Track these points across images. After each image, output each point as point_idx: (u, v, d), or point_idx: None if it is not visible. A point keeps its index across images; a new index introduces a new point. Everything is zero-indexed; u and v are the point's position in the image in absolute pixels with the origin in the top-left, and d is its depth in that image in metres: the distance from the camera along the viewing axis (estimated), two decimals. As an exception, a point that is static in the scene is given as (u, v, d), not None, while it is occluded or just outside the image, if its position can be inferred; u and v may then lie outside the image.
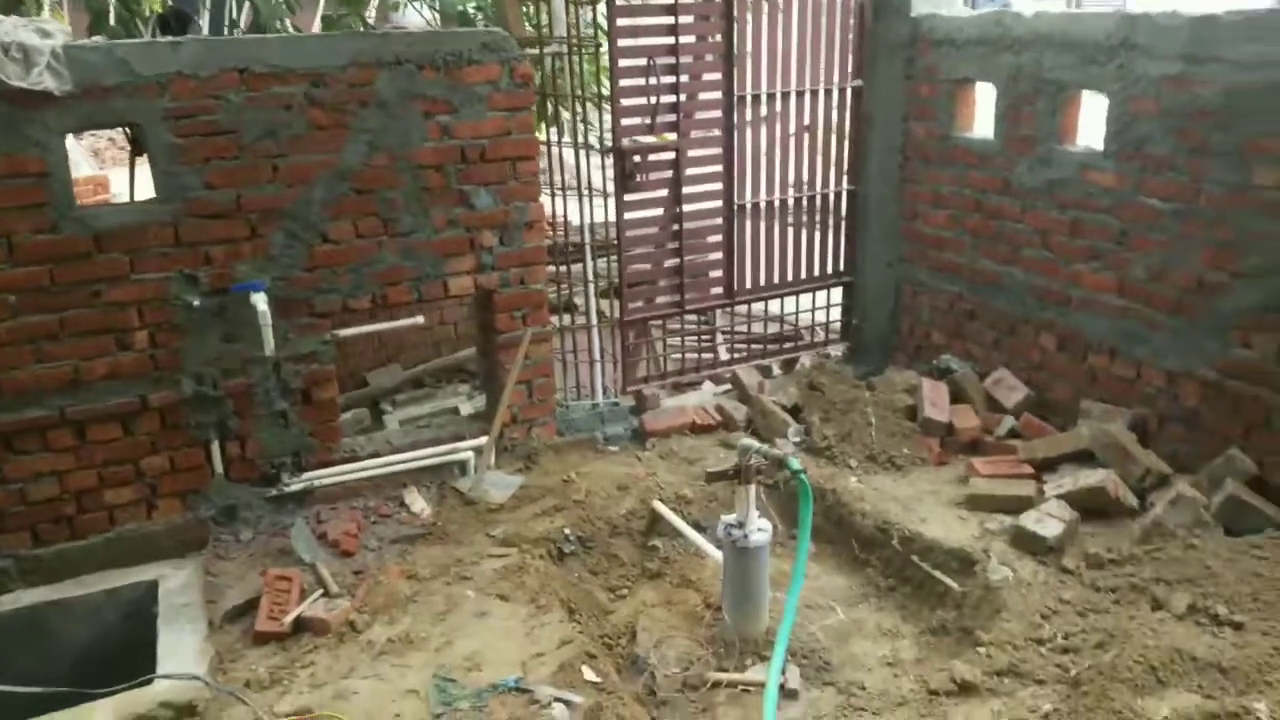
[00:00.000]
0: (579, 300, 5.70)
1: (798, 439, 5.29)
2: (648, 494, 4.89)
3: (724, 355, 6.14)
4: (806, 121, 5.77)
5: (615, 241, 5.46)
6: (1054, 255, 5.02)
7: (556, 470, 5.11)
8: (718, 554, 4.38)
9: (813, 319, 6.24)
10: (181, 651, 3.80)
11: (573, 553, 4.66)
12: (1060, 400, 5.13)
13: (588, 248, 5.44)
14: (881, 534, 4.58)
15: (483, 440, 5.01)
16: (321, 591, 4.21)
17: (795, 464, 3.76)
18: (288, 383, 4.62)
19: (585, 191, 5.34)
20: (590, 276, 5.42)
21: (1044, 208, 5.03)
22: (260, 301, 4.27)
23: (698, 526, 4.79)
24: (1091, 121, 4.99)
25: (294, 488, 4.72)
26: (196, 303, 4.32)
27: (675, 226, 5.55)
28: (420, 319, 4.89)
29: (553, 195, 5.37)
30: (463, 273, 4.86)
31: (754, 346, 6.12)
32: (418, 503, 4.83)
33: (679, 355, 5.91)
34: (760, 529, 4.04)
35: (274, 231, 4.43)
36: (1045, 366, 5.19)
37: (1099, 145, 4.77)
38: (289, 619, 4.00)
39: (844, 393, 5.43)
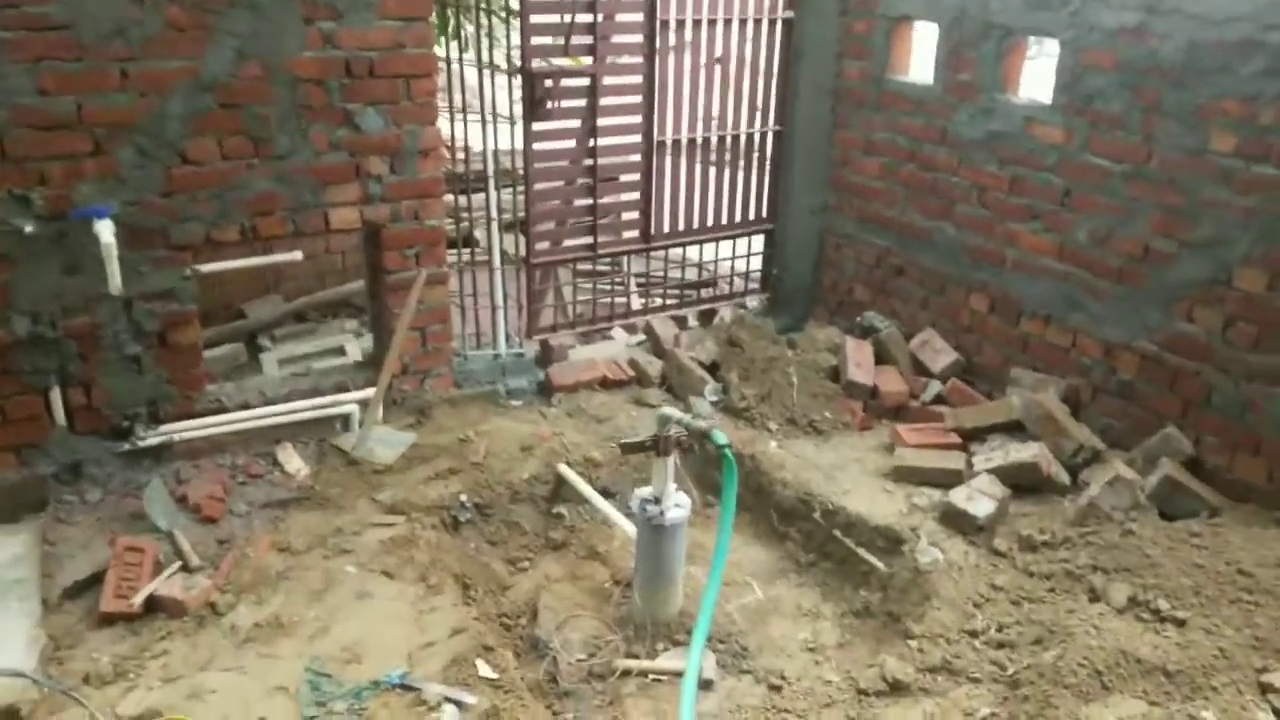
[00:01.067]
0: (480, 234, 5.19)
1: (715, 398, 4.94)
2: (553, 456, 4.48)
3: (636, 304, 5.71)
4: (734, 52, 5.30)
5: (521, 172, 4.95)
6: (990, 213, 4.73)
7: (453, 427, 4.65)
8: (628, 525, 4.02)
9: (732, 268, 5.85)
10: (8, 638, 3.25)
11: (469, 521, 4.23)
12: (989, 366, 4.89)
13: (491, 179, 4.91)
14: (803, 505, 4.28)
15: (369, 392, 4.50)
16: (179, 565, 3.70)
17: (721, 438, 3.39)
18: (140, 323, 4.02)
19: (489, 116, 4.79)
20: (493, 213, 4.90)
21: (982, 161, 4.72)
22: (104, 230, 3.64)
23: (606, 493, 4.43)
24: (1038, 71, 4.68)
25: (150, 442, 4.16)
26: (29, 229, 3.68)
27: (589, 162, 5.05)
28: (297, 254, 4.32)
29: (451, 118, 4.80)
30: (346, 203, 4.30)
31: (670, 295, 5.71)
32: (293, 462, 4.31)
33: (589, 301, 5.45)
34: (678, 504, 3.67)
35: (123, 148, 3.79)
36: (975, 329, 4.93)
37: (1045, 97, 4.46)
38: (139, 598, 3.49)
39: (764, 350, 5.08)
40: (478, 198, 5.02)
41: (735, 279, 5.90)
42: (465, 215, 4.97)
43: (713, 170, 5.50)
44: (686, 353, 5.12)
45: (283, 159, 4.10)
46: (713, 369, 5.11)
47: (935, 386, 4.87)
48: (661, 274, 5.81)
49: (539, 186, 4.98)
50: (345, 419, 4.52)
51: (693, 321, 5.79)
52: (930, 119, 4.93)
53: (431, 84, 4.36)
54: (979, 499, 3.99)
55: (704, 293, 5.90)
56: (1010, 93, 4.60)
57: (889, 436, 4.64)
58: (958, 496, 4.01)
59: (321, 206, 4.24)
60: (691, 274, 5.98)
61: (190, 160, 3.93)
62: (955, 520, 3.98)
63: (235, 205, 4.06)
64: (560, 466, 4.41)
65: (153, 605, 3.51)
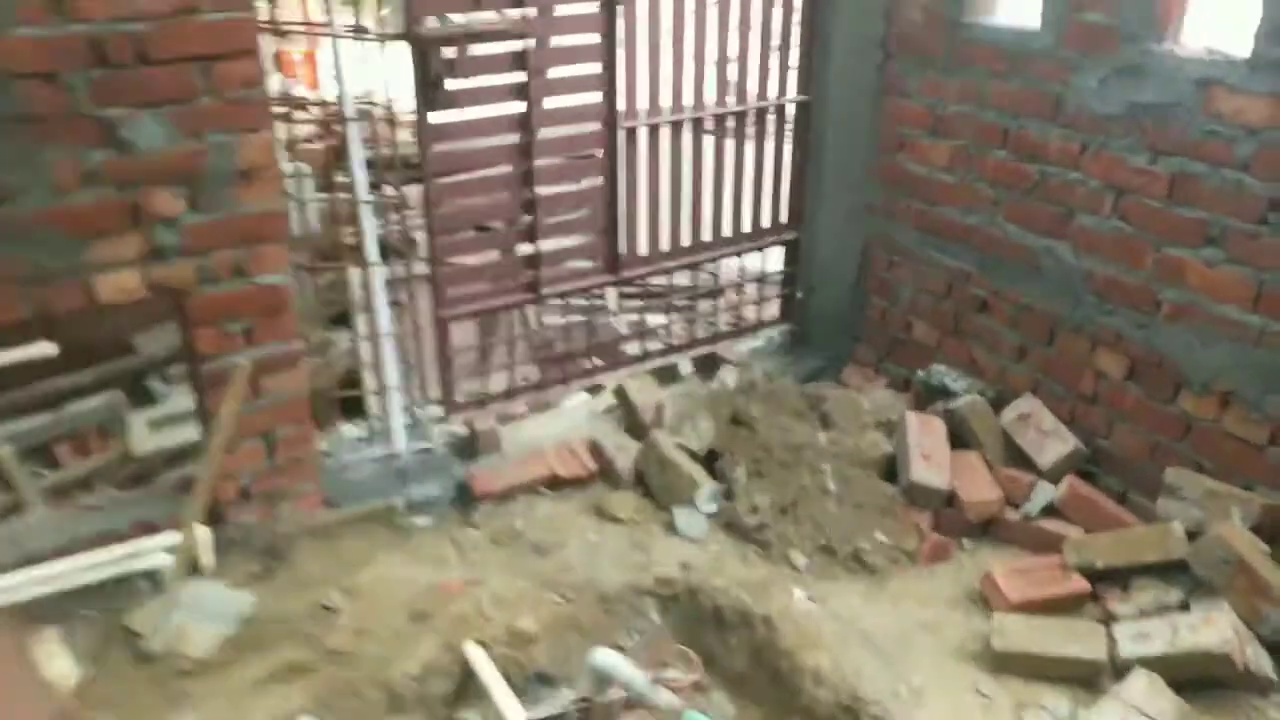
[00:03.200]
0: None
1: (713, 509, 3.37)
2: (461, 629, 2.94)
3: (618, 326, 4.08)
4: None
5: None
6: (1135, 229, 3.05)
7: (316, 578, 3.13)
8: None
9: (738, 296, 4.23)
10: None
11: (320, 752, 2.73)
12: (1125, 458, 3.24)
13: (362, 201, 3.28)
14: (848, 717, 2.72)
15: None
16: None
17: (692, 725, 1.85)
18: None
19: (353, 112, 3.18)
20: (372, 253, 3.28)
21: (1123, 148, 3.03)
22: None
23: (544, 679, 2.92)
24: (1217, 6, 2.96)
25: None
26: None
27: (524, 166, 3.44)
28: (49, 348, 2.80)
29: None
30: (120, 264, 2.75)
31: (648, 339, 4.10)
32: (58, 660, 2.81)
33: (534, 357, 3.88)
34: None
35: None
36: (1104, 401, 3.28)
37: (1238, 49, 2.76)
38: None
39: (784, 430, 3.48)
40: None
41: (744, 310, 4.28)
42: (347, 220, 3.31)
43: (709, 160, 3.86)
44: (671, 438, 3.54)
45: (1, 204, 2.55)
46: (710, 459, 3.53)
47: (1045, 492, 3.24)
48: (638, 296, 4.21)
49: (446, 210, 3.38)
50: (153, 577, 3.02)
51: (686, 369, 4.20)
52: (1035, 82, 3.23)
53: (250, 68, 2.77)
54: (1140, 734, 2.40)
55: (701, 331, 4.27)
56: (1170, 39, 2.89)
57: (976, 579, 3.06)
58: (1104, 728, 2.42)
59: (79, 272, 2.69)
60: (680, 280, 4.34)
61: None
62: (1101, 770, 2.40)
63: (-77, 281, 2.54)
64: (469, 649, 2.88)
65: None
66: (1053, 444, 3.30)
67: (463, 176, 3.41)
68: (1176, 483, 3.02)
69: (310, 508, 3.27)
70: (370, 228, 3.23)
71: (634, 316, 4.37)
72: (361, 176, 3.17)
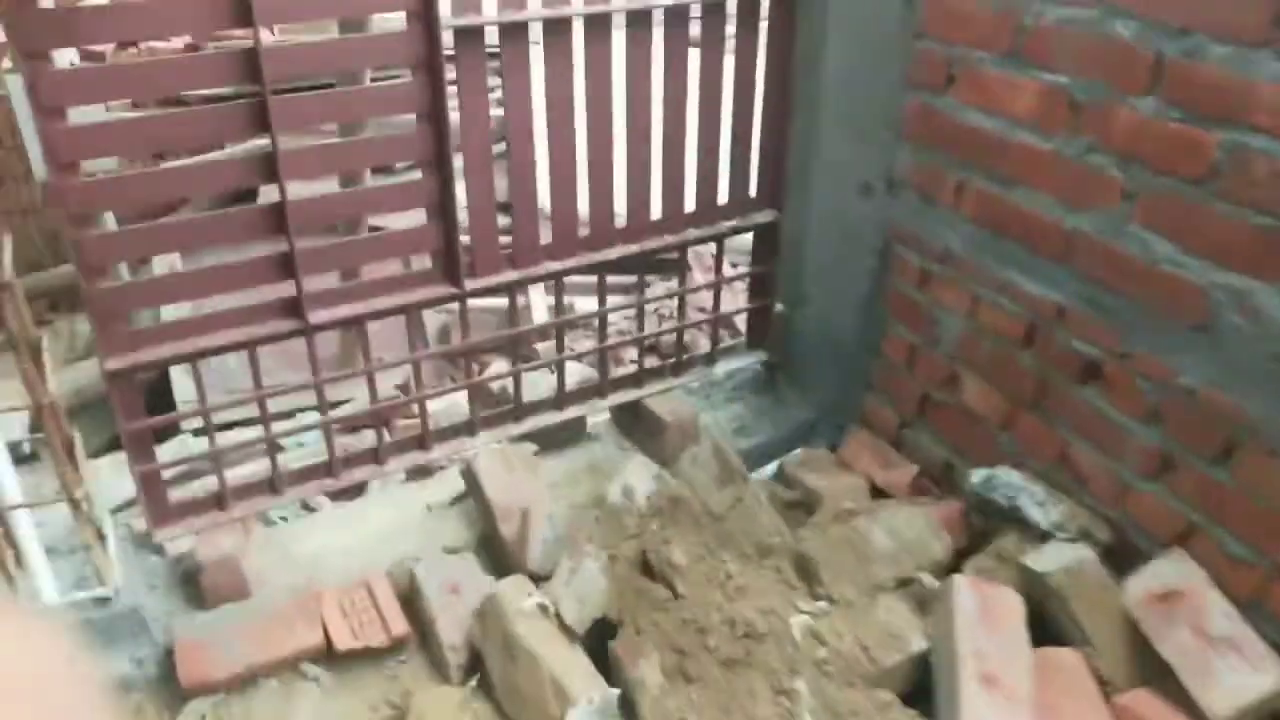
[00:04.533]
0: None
1: (590, 742, 1.86)
2: None
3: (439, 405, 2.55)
4: None
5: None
6: None
7: None
8: None
9: (679, 309, 2.66)
10: None
11: None
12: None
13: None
14: None
15: None
16: None
17: None
18: None
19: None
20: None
21: None
22: None
23: None
24: None
25: None
26: None
27: (252, 94, 1.84)
28: None
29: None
30: None
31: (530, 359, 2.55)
32: None
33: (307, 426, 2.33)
34: None
35: None
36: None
37: None
38: None
39: (733, 590, 1.95)
40: None
41: (691, 338, 2.72)
42: None
43: (619, 86, 2.25)
44: (530, 597, 2.01)
45: None
46: (604, 635, 2.02)
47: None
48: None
49: (84, 164, 1.78)
50: None
51: (601, 417, 2.66)
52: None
53: None
54: None
55: (624, 362, 2.72)
56: None
57: None
58: None
59: None
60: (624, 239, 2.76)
61: None
62: None
63: None
64: None
65: None
66: (1234, 667, 1.76)
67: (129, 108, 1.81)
68: None
69: None
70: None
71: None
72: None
